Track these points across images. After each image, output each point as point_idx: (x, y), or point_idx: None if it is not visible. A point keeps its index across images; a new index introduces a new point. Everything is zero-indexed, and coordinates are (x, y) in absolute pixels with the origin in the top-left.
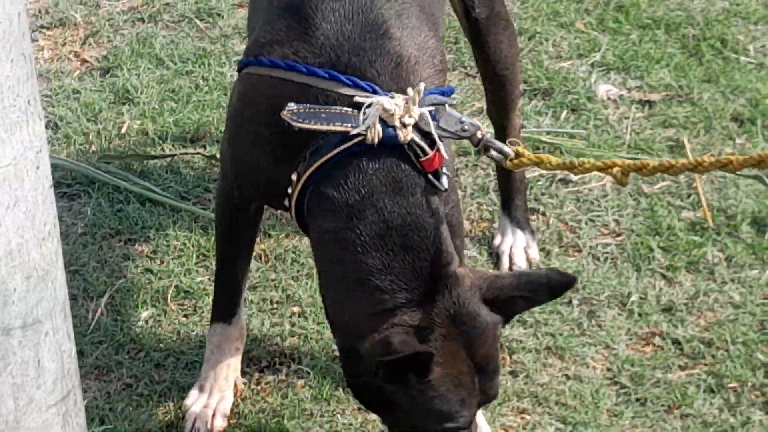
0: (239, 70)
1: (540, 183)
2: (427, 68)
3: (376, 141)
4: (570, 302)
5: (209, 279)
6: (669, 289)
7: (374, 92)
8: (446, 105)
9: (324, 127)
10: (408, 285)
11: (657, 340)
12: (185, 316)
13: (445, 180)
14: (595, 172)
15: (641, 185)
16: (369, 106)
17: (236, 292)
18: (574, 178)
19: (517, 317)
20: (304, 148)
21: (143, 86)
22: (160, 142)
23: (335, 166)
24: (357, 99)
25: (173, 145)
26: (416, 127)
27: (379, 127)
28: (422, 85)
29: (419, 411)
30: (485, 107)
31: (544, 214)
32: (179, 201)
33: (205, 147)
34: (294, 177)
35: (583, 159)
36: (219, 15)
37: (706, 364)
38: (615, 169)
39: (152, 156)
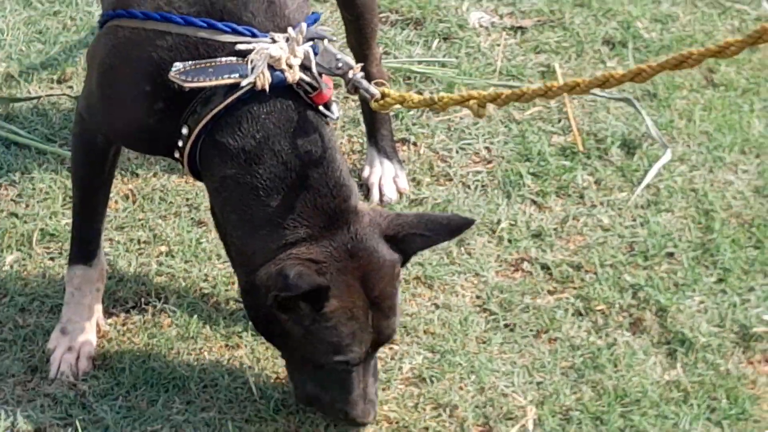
0: (103, 23)
1: (411, 113)
2: (296, 0)
3: (267, 87)
4: None
5: None
6: (539, 215)
7: (253, 36)
8: (325, 40)
9: (214, 83)
10: (308, 221)
11: (526, 265)
12: (51, 259)
13: (335, 107)
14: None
15: (512, 112)
16: (255, 52)
17: (96, 234)
18: None
19: None
20: (191, 100)
21: (9, 28)
22: (26, 84)
23: (228, 115)
24: (239, 47)
25: (39, 87)
26: (301, 65)
27: (267, 73)
28: (304, 26)
29: (310, 341)
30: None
31: (415, 144)
32: (45, 143)
33: (72, 88)
34: (185, 131)
35: (443, 94)
36: None
37: (574, 288)
38: (471, 102)
39: (18, 99)
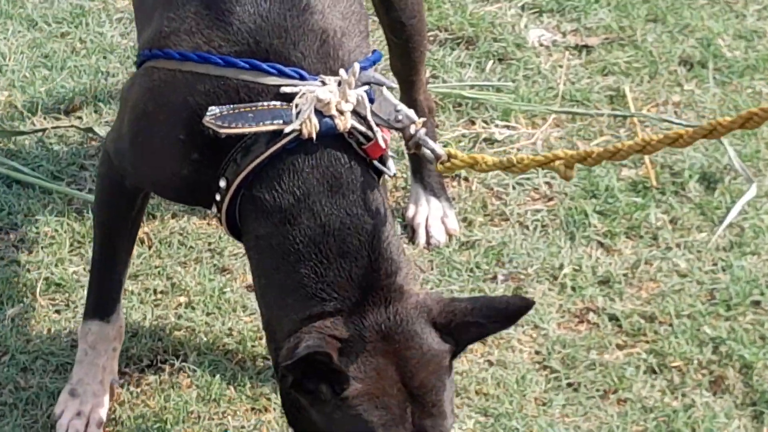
0: (139, 64)
1: (462, 144)
2: (354, 38)
3: (314, 135)
4: (495, 278)
5: (84, 269)
6: (606, 259)
7: (302, 78)
8: (383, 88)
9: (254, 129)
10: (340, 294)
11: (592, 316)
12: (56, 312)
13: (391, 163)
14: (526, 128)
15: (576, 142)
16: (301, 96)
17: (116, 287)
18: (499, 137)
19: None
20: (230, 149)
21: (12, 52)
22: (30, 115)
23: (269, 166)
24: (284, 90)
25: (45, 118)
26: (353, 111)
27: (314, 119)
28: (357, 66)
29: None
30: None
31: (466, 179)
32: (51, 181)
33: (81, 119)
34: (223, 183)
35: (522, 155)
36: None
37: (647, 342)
38: (557, 163)
39: (21, 132)
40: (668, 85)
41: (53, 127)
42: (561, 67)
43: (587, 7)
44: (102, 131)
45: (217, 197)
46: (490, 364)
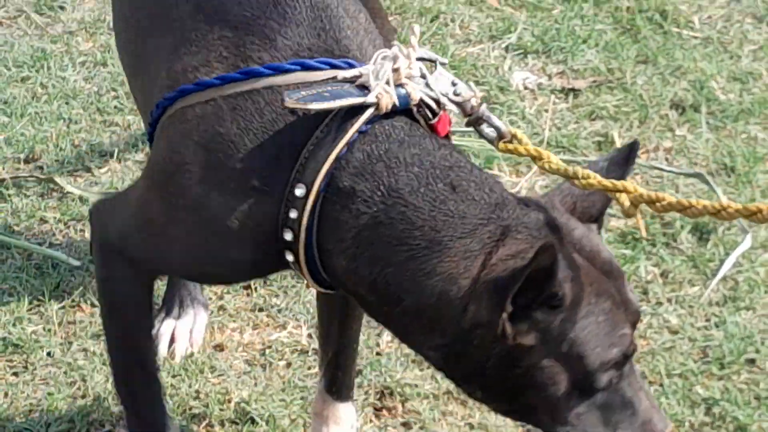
0: (155, 122)
1: None
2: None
3: (390, 106)
4: None
5: (44, 328)
6: None
7: (351, 67)
8: (437, 62)
9: (340, 104)
10: (482, 217)
11: None
12: (14, 374)
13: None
14: (510, 176)
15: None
16: (368, 68)
17: (158, 401)
18: None
19: (411, 358)
20: (294, 157)
21: None
22: None
23: (348, 155)
24: (342, 75)
25: (3, 168)
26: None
27: (392, 89)
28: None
29: (571, 354)
30: None
31: None
32: (9, 235)
33: (41, 168)
34: (300, 191)
35: (589, 172)
36: (62, 8)
37: None
38: (623, 196)
39: None
40: (659, 130)
41: (12, 177)
42: (546, 111)
43: (574, 48)
44: (64, 182)
45: (293, 214)
46: (471, 427)
